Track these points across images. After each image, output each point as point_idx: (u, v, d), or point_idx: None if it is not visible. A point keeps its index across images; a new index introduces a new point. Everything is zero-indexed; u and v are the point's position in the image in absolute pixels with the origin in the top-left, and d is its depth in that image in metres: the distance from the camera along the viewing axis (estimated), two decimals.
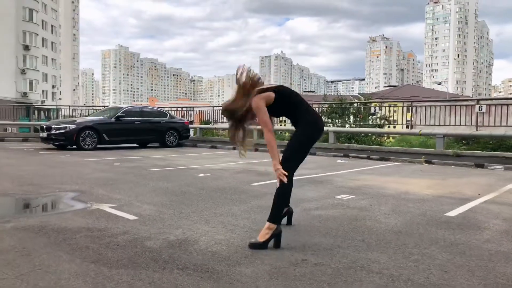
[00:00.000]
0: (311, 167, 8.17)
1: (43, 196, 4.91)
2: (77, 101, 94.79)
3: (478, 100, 9.72)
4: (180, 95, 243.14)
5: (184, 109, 21.96)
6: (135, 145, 13.29)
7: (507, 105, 9.34)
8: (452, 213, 4.09)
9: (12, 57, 44.24)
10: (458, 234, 3.33)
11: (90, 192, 5.02)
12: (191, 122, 19.98)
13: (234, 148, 13.06)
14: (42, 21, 52.32)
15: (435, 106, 10.47)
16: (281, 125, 15.12)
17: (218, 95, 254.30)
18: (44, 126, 11.82)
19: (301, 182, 6.02)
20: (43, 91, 52.38)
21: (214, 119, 20.01)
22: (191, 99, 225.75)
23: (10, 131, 18.60)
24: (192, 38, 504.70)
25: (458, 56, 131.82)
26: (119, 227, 3.42)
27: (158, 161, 8.99)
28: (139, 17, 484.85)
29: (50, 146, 12.03)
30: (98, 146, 11.89)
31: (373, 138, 14.53)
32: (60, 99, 60.80)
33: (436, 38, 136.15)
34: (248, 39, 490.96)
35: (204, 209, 4.13)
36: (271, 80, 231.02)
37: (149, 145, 13.64)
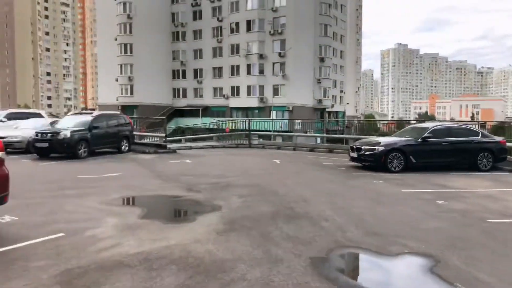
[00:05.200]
0: None
1: (392, 259, 4.69)
2: (359, 102, 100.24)
3: None
4: (464, 91, 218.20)
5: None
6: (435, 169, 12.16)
7: None
8: None
9: (310, 69, 50.97)
10: None
11: (445, 263, 4.42)
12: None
13: None
14: (334, 33, 57.71)
15: None
16: None
17: None
18: (354, 147, 12.49)
19: None
20: (333, 96, 57.97)
21: None
22: (478, 94, 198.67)
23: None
24: (479, 24, 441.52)
25: None
26: None
27: (487, 201, 7.66)
28: (416, 12, 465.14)
29: (358, 164, 12.51)
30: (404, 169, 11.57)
31: None
32: (348, 103, 65.88)
33: None
34: None
35: None
36: None
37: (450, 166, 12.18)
